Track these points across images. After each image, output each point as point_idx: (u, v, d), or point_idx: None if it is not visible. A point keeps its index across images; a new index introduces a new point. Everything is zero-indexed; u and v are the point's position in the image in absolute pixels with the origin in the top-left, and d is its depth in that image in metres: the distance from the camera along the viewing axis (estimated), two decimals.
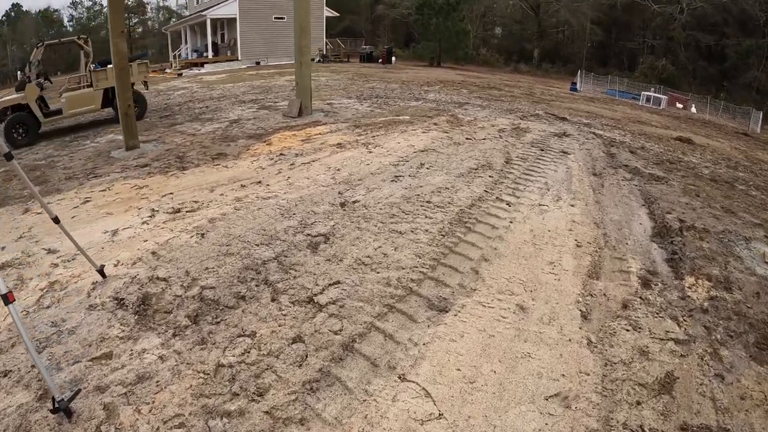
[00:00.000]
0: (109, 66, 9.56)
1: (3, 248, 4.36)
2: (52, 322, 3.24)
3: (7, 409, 2.52)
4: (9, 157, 2.71)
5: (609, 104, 16.89)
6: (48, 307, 3.42)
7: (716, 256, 4.20)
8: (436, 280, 3.62)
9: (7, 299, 2.35)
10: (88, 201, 5.40)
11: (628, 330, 3.14)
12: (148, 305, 3.32)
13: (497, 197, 5.15)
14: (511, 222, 4.56)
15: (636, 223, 4.79)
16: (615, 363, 2.85)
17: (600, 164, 6.77)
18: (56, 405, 2.39)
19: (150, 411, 2.52)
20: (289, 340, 3.00)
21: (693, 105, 20.72)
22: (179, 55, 27.90)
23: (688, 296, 3.56)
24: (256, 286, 3.58)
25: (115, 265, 3.85)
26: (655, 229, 4.67)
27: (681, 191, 5.95)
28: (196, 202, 5.20)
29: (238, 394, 2.61)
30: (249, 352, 2.87)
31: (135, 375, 2.74)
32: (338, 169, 6.08)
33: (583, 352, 2.92)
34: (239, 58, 25.09)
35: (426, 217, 4.58)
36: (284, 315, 3.27)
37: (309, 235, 4.30)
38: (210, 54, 25.78)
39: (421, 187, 5.38)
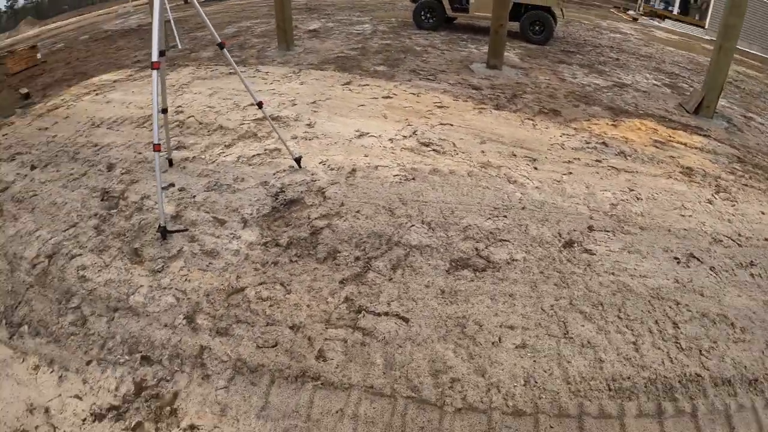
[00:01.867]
0: None
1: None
2: (234, 177, 3.74)
3: None
4: (221, 46, 3.27)
5: None
6: (251, 165, 3.94)
7: None
8: None
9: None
10: (389, 98, 5.41)
11: None
12: (287, 209, 3.26)
13: None
14: None
15: None
16: None
17: None
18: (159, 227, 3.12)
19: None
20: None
21: None
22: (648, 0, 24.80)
23: None
24: (355, 260, 2.94)
25: (321, 162, 3.86)
26: None
27: None
28: (455, 147, 4.53)
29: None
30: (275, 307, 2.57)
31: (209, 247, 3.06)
32: (638, 198, 4.04)
33: None
34: (705, 27, 20.29)
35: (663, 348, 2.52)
36: (327, 302, 2.64)
37: (477, 251, 3.04)
38: (676, 10, 21.85)
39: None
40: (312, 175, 3.64)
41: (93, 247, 3.32)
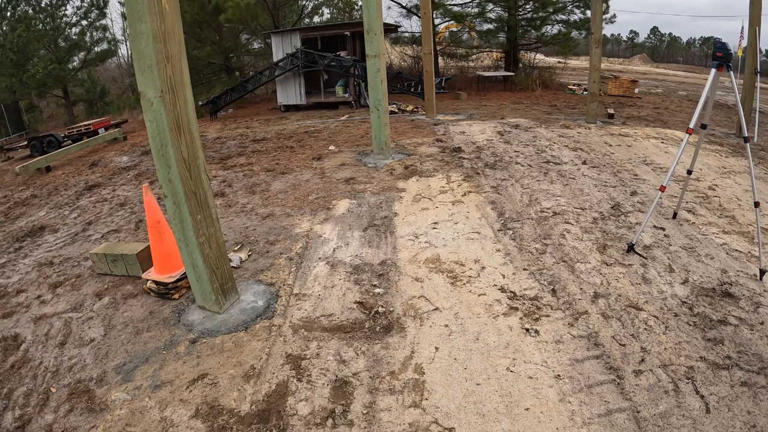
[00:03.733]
0: None
1: None
2: (706, 253, 4.42)
3: None
4: (745, 140, 3.80)
5: None
6: (728, 253, 4.49)
7: None
8: None
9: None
10: None
11: None
12: (721, 297, 3.39)
13: None
14: None
15: None
16: None
17: None
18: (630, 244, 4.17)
19: None
20: None
21: None
22: None
23: None
24: (725, 358, 3.14)
25: None
26: None
27: None
28: None
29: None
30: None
31: (649, 277, 3.89)
32: None
33: None
34: None
35: None
36: (683, 356, 2.99)
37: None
38: None
39: None
40: (764, 291, 3.58)
41: (583, 226, 4.79)
